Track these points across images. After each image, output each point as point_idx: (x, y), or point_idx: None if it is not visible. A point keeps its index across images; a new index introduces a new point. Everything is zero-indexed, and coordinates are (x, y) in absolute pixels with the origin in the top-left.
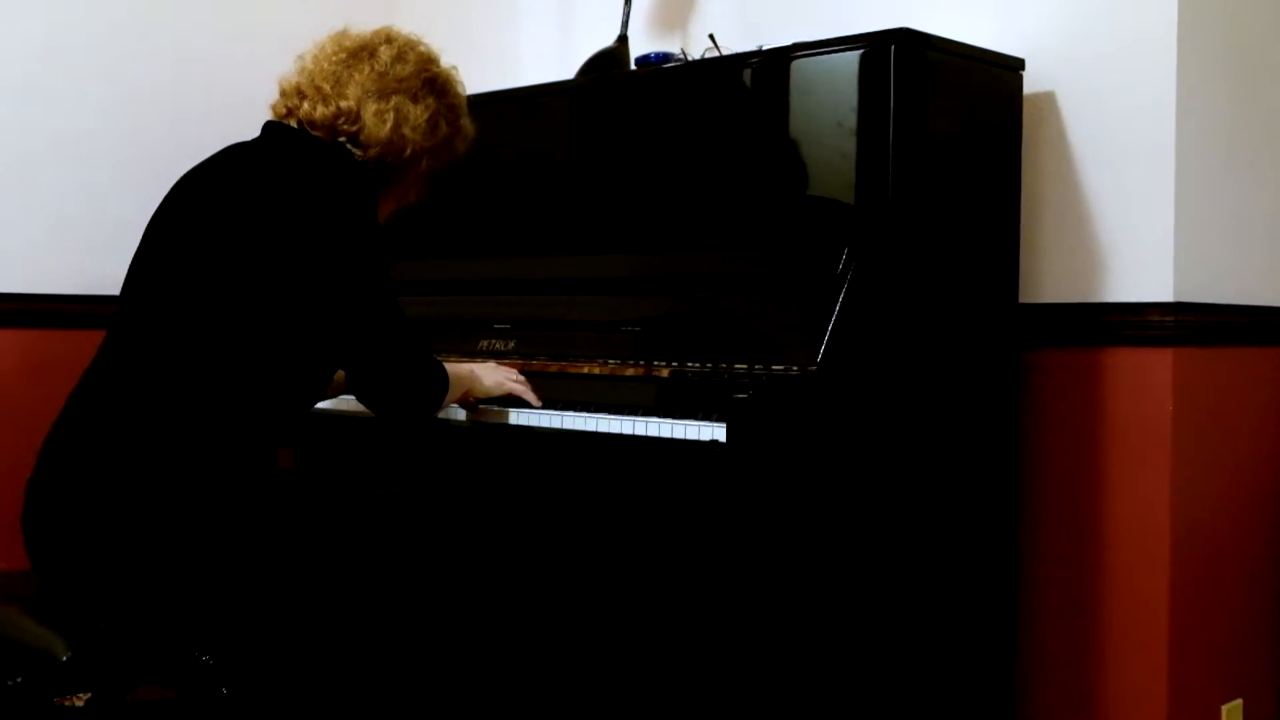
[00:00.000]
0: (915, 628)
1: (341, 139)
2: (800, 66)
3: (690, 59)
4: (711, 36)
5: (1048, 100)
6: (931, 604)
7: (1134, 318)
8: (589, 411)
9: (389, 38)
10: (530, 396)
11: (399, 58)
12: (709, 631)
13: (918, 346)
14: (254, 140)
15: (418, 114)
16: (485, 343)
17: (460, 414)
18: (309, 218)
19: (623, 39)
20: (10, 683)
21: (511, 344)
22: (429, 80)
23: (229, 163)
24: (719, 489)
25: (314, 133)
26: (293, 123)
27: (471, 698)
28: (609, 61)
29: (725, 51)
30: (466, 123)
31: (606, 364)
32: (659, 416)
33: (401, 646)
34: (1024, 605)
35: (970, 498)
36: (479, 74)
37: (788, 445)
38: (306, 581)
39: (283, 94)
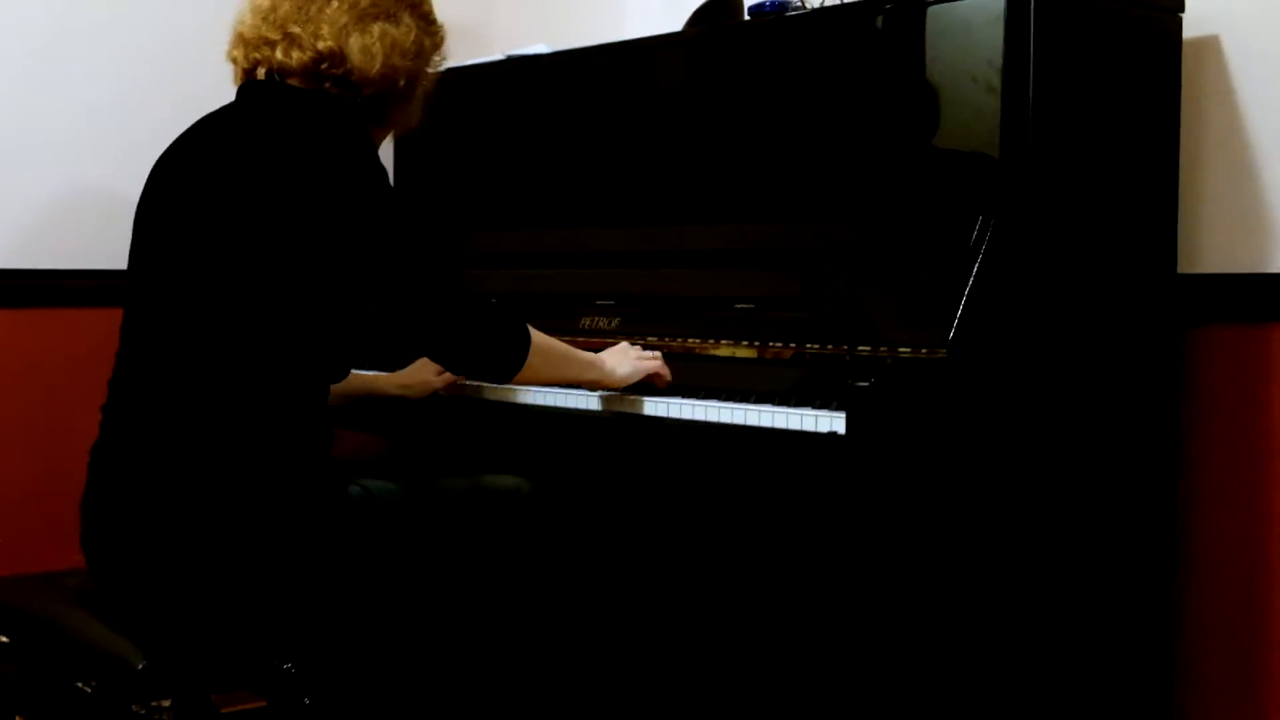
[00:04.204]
0: (1062, 637)
1: (326, 83)
2: (933, 15)
3: (808, 6)
4: None
5: (1211, 45)
6: (1079, 614)
7: None
8: (697, 398)
9: None
10: (664, 371)
11: None
12: (821, 641)
13: (1063, 325)
14: (232, 106)
15: (401, 37)
16: (588, 320)
17: (563, 399)
18: (307, 185)
19: None
20: (86, 688)
21: (615, 321)
22: None
23: (213, 135)
24: (840, 484)
25: (290, 81)
26: (261, 74)
27: (572, 694)
28: (720, 10)
29: None
30: (440, 27)
31: (718, 344)
32: (774, 404)
33: (504, 651)
34: (1183, 610)
35: (1124, 495)
36: (583, 26)
37: (914, 438)
38: (400, 584)
39: (244, 43)
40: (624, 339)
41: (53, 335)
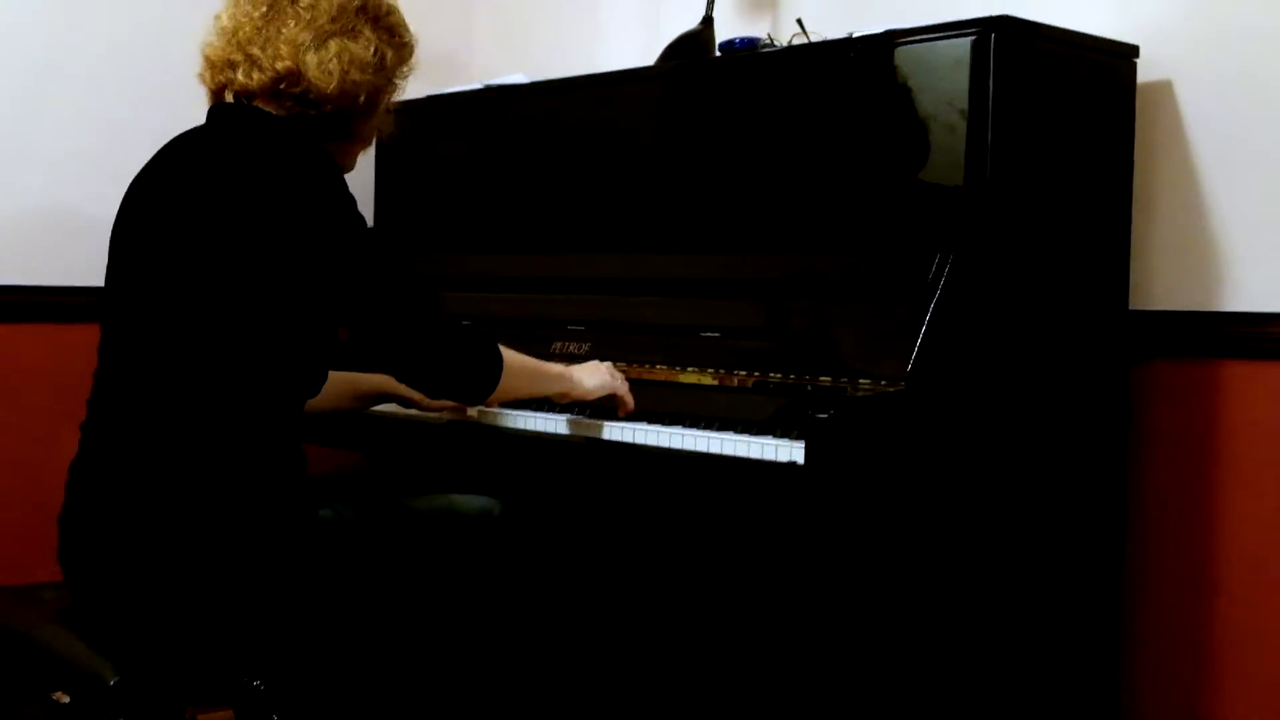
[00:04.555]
0: (1012, 659)
1: (288, 102)
2: (899, 55)
3: (777, 44)
4: (799, 22)
5: (1164, 89)
6: (1029, 640)
7: (1255, 329)
8: (661, 424)
9: None
10: (629, 398)
11: None
12: (782, 663)
13: (1018, 358)
14: (200, 129)
15: (359, 52)
16: (560, 344)
17: (530, 422)
18: (269, 210)
19: (708, 21)
20: (60, 703)
21: (586, 346)
22: (359, 9)
23: (180, 159)
24: (798, 512)
25: (256, 103)
26: (229, 96)
27: (537, 711)
28: (693, 46)
29: (814, 38)
30: (410, 38)
31: (684, 371)
32: (735, 432)
33: (469, 670)
34: (1129, 635)
35: (1073, 524)
36: (560, 57)
37: (871, 469)
38: (366, 599)
39: (211, 67)
40: None
41: (40, 349)
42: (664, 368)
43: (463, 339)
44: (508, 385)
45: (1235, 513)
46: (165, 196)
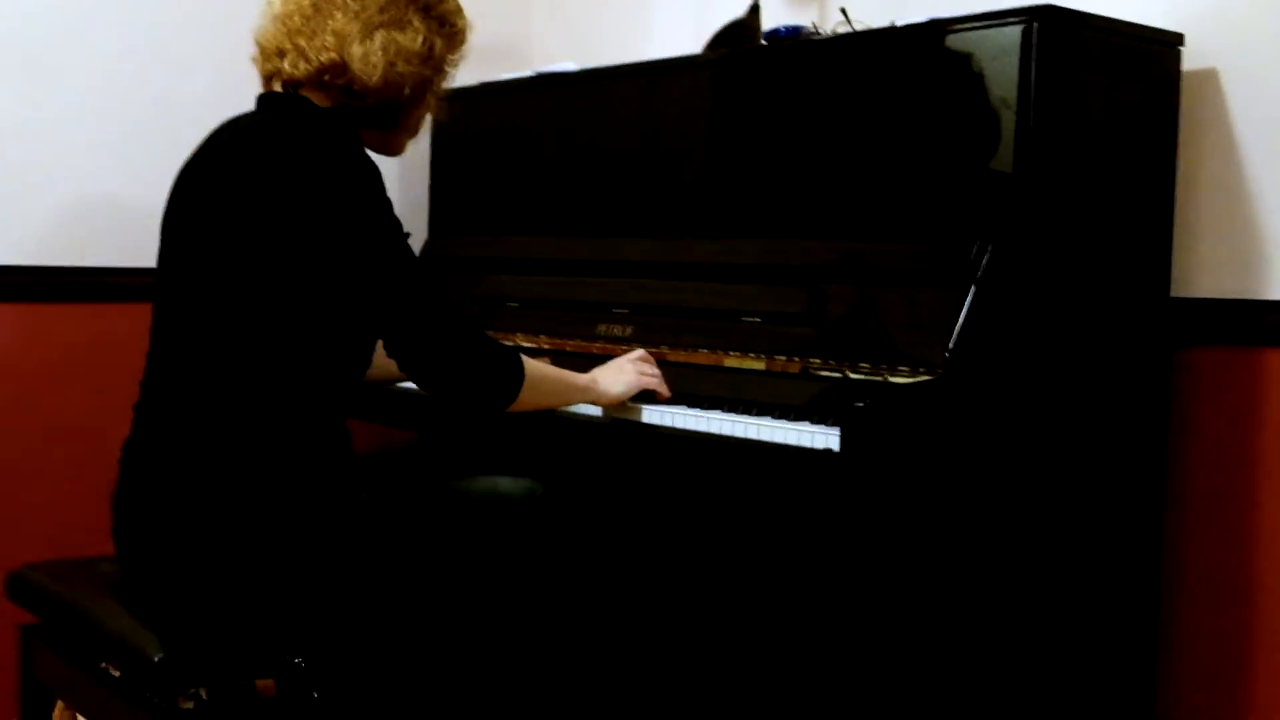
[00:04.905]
0: (1050, 650)
1: (333, 92)
2: (936, 45)
3: (821, 33)
4: (843, 10)
5: (1208, 78)
6: (1067, 628)
7: None
8: (701, 408)
9: None
10: (662, 389)
11: None
12: (816, 649)
13: (1059, 345)
14: (248, 117)
15: (407, 43)
16: (604, 327)
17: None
18: (307, 206)
19: (755, 9)
20: (112, 673)
21: (629, 329)
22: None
23: (226, 147)
24: (834, 498)
25: (302, 92)
26: (278, 85)
27: (575, 695)
28: (739, 34)
29: (858, 26)
30: (463, 24)
31: (727, 354)
32: (773, 417)
33: (508, 652)
34: (1168, 628)
35: (1112, 511)
36: (614, 44)
37: (907, 457)
38: (408, 580)
39: (262, 53)
40: (636, 346)
41: (95, 328)
42: (706, 351)
43: (482, 348)
44: (527, 398)
45: (1273, 496)
46: (210, 185)
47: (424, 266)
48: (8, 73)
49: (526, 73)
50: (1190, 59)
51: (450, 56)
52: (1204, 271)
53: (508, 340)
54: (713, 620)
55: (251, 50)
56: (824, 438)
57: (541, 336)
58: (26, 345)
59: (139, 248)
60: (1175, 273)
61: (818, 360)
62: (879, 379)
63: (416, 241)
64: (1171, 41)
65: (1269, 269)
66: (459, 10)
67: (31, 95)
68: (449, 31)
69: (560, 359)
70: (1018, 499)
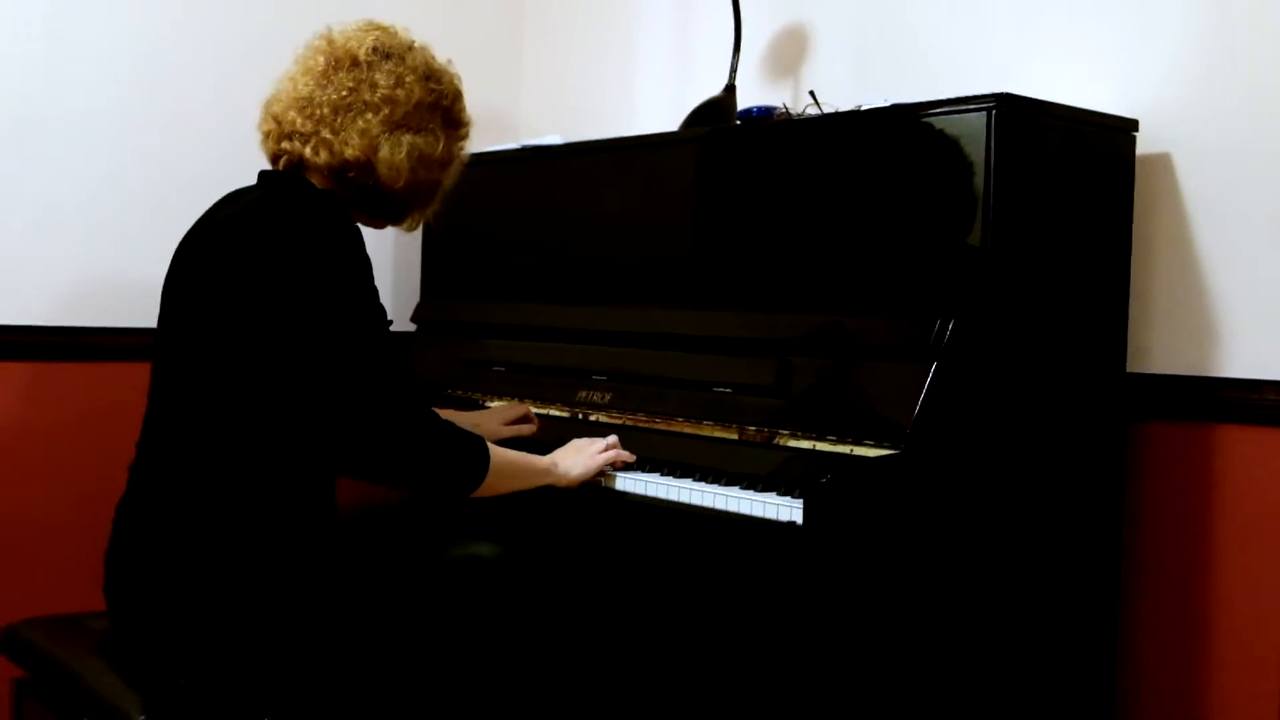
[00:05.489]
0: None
1: (350, 187)
2: (901, 129)
3: (792, 114)
4: (812, 93)
5: (1163, 162)
6: (1023, 708)
7: (1251, 395)
8: (673, 477)
9: (383, 51)
10: (624, 457)
11: (398, 83)
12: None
13: (1018, 418)
14: (250, 192)
15: (429, 149)
16: (584, 394)
17: None
18: (293, 281)
19: (730, 88)
20: None
21: (609, 396)
22: (434, 106)
23: (227, 222)
24: (798, 570)
25: (310, 175)
26: (284, 162)
27: None
28: (714, 112)
29: (827, 108)
30: (468, 119)
31: (700, 424)
32: (742, 488)
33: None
34: (1125, 711)
35: (1069, 586)
36: (600, 117)
37: (869, 529)
38: (387, 645)
39: (277, 124)
40: (615, 413)
41: (100, 387)
42: (680, 420)
43: (448, 438)
44: (492, 483)
45: (1225, 569)
46: (205, 256)
47: (393, 358)
48: (15, 136)
49: (512, 145)
50: (1144, 144)
51: (459, 150)
52: (1159, 348)
53: (493, 402)
54: (676, 685)
55: (258, 118)
56: (788, 510)
57: (527, 401)
58: (30, 403)
59: (128, 309)
60: (1131, 349)
61: (787, 431)
62: (846, 450)
63: (410, 303)
64: (1126, 127)
65: (1221, 346)
66: (464, 106)
67: (40, 156)
68: (462, 134)
69: (545, 422)
70: (977, 570)
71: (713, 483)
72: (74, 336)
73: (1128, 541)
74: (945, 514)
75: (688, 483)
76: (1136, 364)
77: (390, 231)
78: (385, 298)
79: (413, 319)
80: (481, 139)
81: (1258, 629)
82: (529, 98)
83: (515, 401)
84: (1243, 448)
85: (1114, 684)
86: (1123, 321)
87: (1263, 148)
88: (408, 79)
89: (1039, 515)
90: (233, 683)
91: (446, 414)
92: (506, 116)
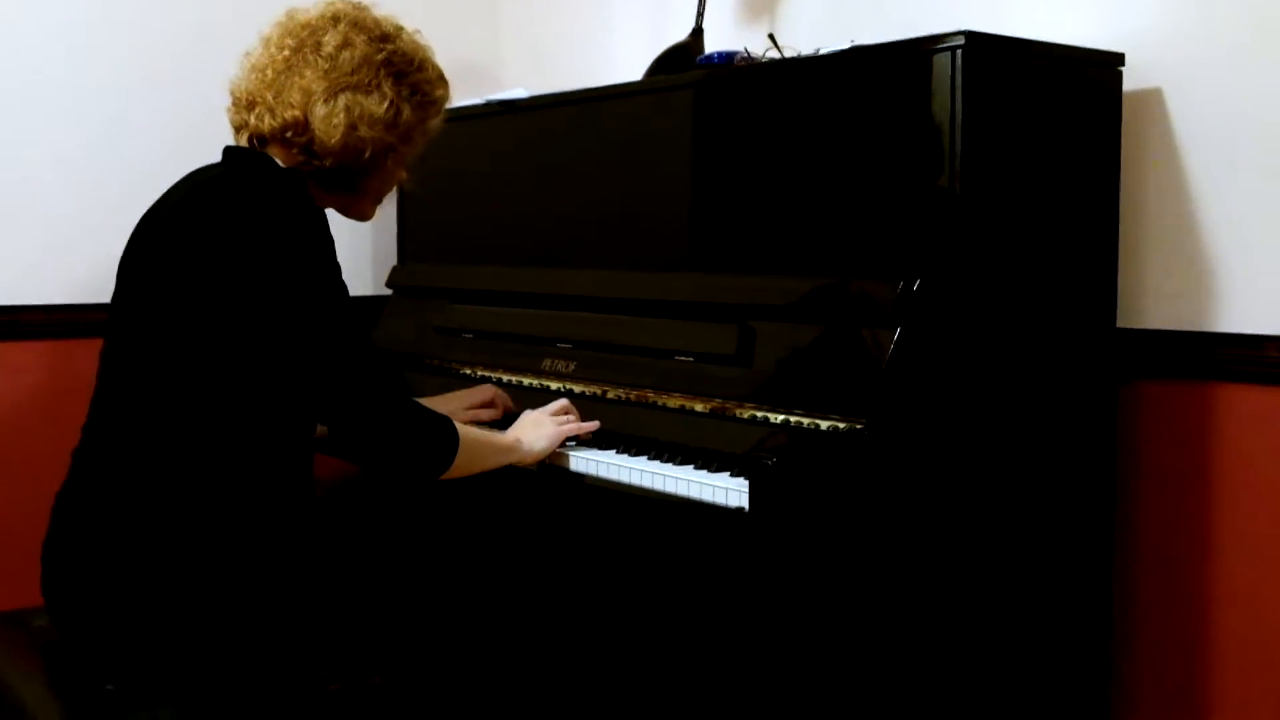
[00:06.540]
0: (993, 698)
1: (294, 150)
2: (858, 74)
3: (754, 59)
4: (771, 36)
5: (1152, 98)
6: (1012, 688)
7: (1251, 351)
8: (629, 454)
9: (335, 16)
10: (585, 429)
11: (345, 43)
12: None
13: (996, 382)
14: (214, 170)
15: (373, 108)
16: (548, 362)
17: None
18: (254, 268)
19: (697, 32)
20: None
21: (573, 365)
22: (383, 63)
23: (184, 199)
24: (747, 561)
25: (268, 149)
26: (244, 138)
27: None
28: (680, 57)
29: (789, 53)
30: (439, 94)
31: (663, 394)
32: (696, 467)
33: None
34: (1119, 682)
35: (1057, 560)
36: (574, 69)
37: (827, 515)
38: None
39: (234, 103)
40: (579, 383)
41: (47, 367)
42: (645, 389)
43: (417, 419)
44: (461, 464)
45: (1225, 540)
46: (161, 235)
47: (359, 335)
48: None
49: (477, 100)
50: (1132, 79)
51: (420, 126)
52: (1151, 302)
53: (467, 372)
54: (636, 679)
55: (225, 100)
56: (737, 495)
57: (498, 370)
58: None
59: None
60: (1121, 303)
61: (752, 403)
62: (811, 424)
63: (386, 267)
64: (1111, 62)
65: (1219, 299)
66: (438, 80)
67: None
68: (420, 100)
69: (516, 391)
70: (954, 555)
71: (667, 461)
72: (20, 315)
73: (1121, 512)
74: (916, 492)
75: (641, 461)
76: (1127, 319)
77: None
78: (364, 262)
79: (388, 284)
80: (463, 93)
81: (1259, 600)
82: (508, 49)
83: (484, 382)
84: (1243, 408)
85: (1110, 662)
86: (1112, 273)
87: (1265, 79)
88: (356, 39)
89: (1021, 489)
90: (167, 693)
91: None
92: (487, 69)
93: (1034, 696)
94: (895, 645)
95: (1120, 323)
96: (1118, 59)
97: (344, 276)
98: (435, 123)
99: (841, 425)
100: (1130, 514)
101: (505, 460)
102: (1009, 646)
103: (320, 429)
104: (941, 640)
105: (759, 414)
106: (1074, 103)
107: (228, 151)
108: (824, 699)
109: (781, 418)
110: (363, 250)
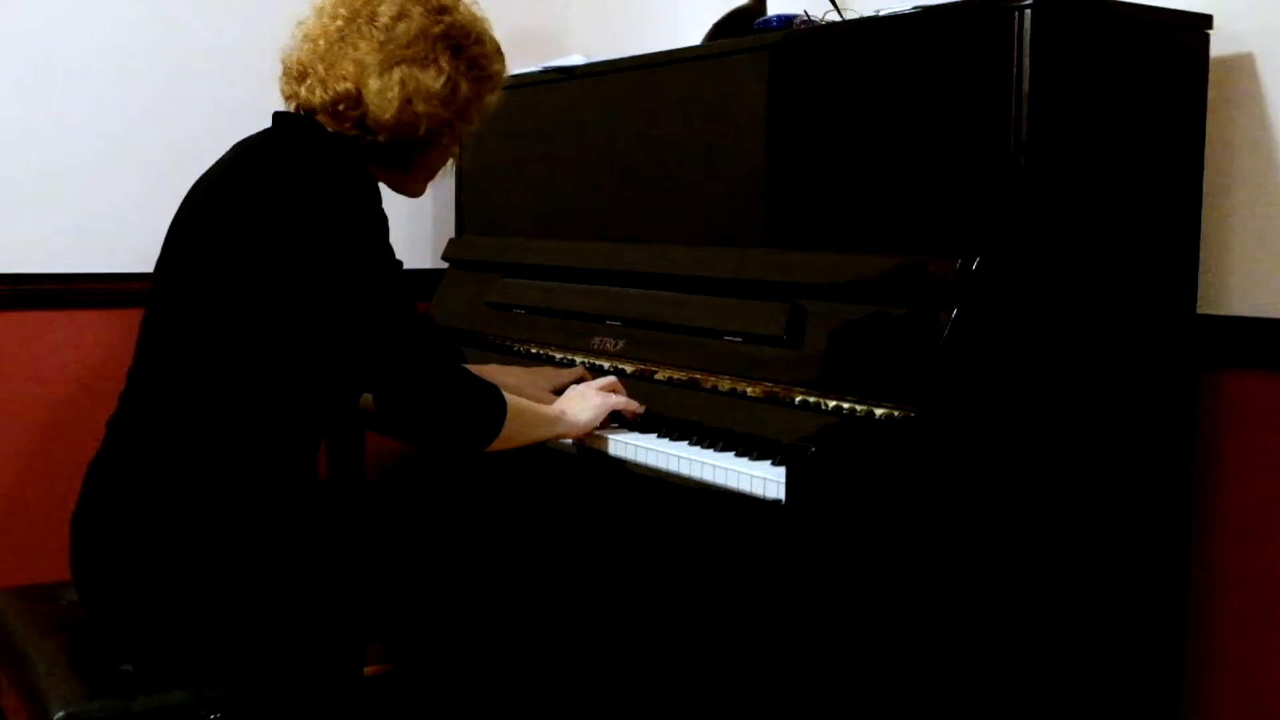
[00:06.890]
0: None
1: (347, 124)
2: (920, 37)
3: (816, 21)
4: None
5: (1243, 64)
6: (1085, 681)
7: None
8: (670, 439)
9: None
10: (632, 407)
11: (401, 14)
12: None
13: (1063, 372)
14: (261, 136)
15: (429, 82)
16: (598, 340)
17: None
18: (303, 238)
19: None
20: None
21: (621, 344)
22: (440, 36)
23: (231, 166)
24: (783, 554)
25: (319, 118)
26: (293, 106)
27: None
28: (740, 21)
29: (850, 15)
30: (497, 68)
31: (712, 376)
32: (737, 455)
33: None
34: (1194, 671)
35: (1129, 558)
36: (645, 33)
37: (865, 510)
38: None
39: (285, 73)
40: (628, 363)
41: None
42: (694, 371)
43: (466, 387)
44: (509, 434)
45: None
46: (208, 202)
47: (406, 305)
48: (21, 81)
49: (535, 67)
50: (1220, 43)
51: (478, 103)
52: (1235, 286)
53: (520, 349)
54: (661, 659)
55: (277, 70)
56: (775, 485)
57: (549, 347)
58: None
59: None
60: (1202, 288)
61: (802, 387)
62: (861, 410)
63: (445, 240)
64: (1197, 25)
65: None
66: (496, 54)
67: (45, 102)
68: (478, 75)
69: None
70: (1005, 548)
71: (708, 447)
72: (75, 283)
73: (1198, 507)
74: (968, 487)
75: (680, 447)
76: (1208, 305)
77: None
78: (424, 234)
79: (444, 256)
80: (530, 60)
81: None
82: (576, 14)
83: (536, 360)
84: None
85: (1183, 669)
86: (1193, 255)
87: None
88: (413, 10)
89: (1089, 485)
90: (183, 673)
91: (486, 370)
92: (554, 37)
93: (1108, 694)
94: (935, 649)
95: (1201, 308)
96: (1205, 21)
97: (402, 250)
98: (493, 98)
99: (896, 413)
100: (1208, 512)
101: (552, 432)
102: (1070, 658)
103: (365, 399)
104: (989, 645)
105: (810, 399)
106: (1156, 68)
107: (277, 117)
108: (865, 701)
109: (833, 403)
110: (423, 222)
